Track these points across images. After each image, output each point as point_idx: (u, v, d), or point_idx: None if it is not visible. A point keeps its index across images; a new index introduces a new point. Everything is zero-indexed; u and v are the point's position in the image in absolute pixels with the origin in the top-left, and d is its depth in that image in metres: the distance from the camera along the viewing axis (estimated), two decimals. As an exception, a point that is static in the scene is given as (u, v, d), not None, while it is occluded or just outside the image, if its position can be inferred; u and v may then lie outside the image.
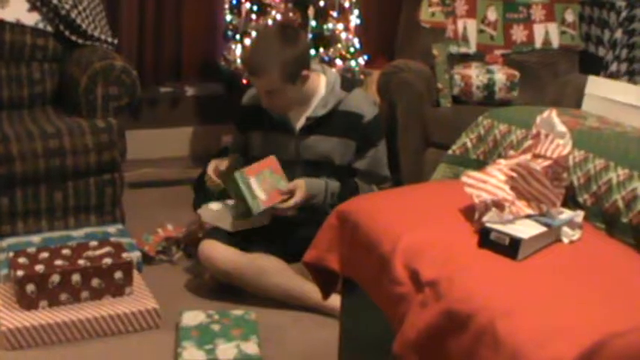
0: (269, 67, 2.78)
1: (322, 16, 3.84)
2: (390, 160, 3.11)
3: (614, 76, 4.01)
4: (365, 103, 2.99)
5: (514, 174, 1.93)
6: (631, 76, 4.07)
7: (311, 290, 2.75)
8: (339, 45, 3.84)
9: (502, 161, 2.02)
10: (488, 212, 1.85)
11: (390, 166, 3.11)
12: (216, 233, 2.99)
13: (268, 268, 2.92)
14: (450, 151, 2.48)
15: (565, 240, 1.89)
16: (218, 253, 2.93)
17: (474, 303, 1.62)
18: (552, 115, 2.09)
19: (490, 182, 1.91)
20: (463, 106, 3.85)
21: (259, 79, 2.83)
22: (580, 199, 2.07)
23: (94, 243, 2.87)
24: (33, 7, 3.52)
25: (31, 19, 3.52)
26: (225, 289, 2.98)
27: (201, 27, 4.33)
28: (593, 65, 4.07)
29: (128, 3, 4.11)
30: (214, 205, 3.04)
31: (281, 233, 2.99)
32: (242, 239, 2.95)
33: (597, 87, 2.64)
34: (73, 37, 3.56)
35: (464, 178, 1.94)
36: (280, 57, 2.78)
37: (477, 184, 1.91)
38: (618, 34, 3.99)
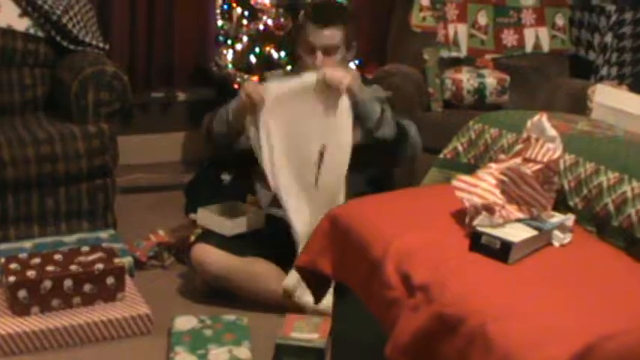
0: (340, 21, 3.02)
1: (313, 21, 3.84)
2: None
3: (604, 80, 4.02)
4: (383, 93, 3.15)
5: (505, 178, 1.94)
6: (621, 80, 4.09)
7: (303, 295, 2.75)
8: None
9: (493, 165, 2.03)
10: (478, 216, 1.86)
11: (382, 170, 3.12)
12: (208, 237, 2.99)
13: (261, 273, 2.92)
14: (441, 155, 2.48)
15: (556, 243, 1.90)
16: (210, 257, 2.93)
17: (465, 307, 1.63)
18: (543, 119, 2.10)
19: (481, 186, 1.92)
20: (454, 111, 3.85)
21: (327, 30, 2.99)
22: (571, 203, 2.08)
23: (85, 248, 2.87)
24: (24, 13, 3.51)
25: (22, 24, 3.52)
26: (217, 293, 2.97)
27: (192, 32, 4.33)
28: (583, 69, 4.09)
29: (119, 8, 4.10)
30: (210, 209, 3.05)
31: (275, 237, 2.99)
32: (236, 243, 2.95)
33: (606, 96, 2.64)
34: (64, 43, 3.55)
35: (455, 182, 1.95)
36: (347, 19, 3.08)
37: (468, 188, 1.92)
38: (608, 38, 4.01)
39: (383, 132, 2.95)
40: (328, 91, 2.85)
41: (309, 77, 2.89)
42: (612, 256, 1.90)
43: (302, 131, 2.89)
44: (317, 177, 2.85)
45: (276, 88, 2.94)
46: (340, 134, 2.85)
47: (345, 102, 2.83)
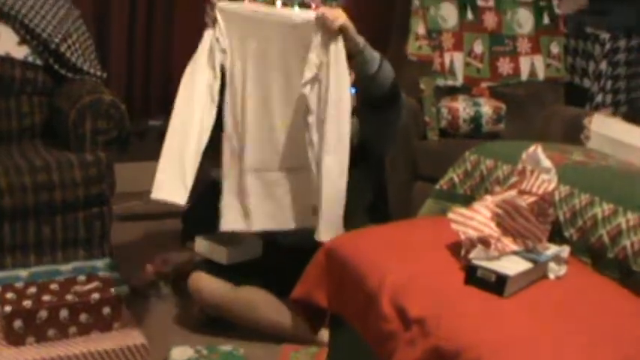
0: None
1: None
2: (378, 193, 3.12)
3: (599, 107, 4.05)
4: None
5: (500, 210, 1.95)
6: (616, 107, 4.12)
7: (300, 324, 2.75)
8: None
9: (488, 197, 2.03)
10: (474, 249, 1.86)
11: (379, 198, 3.12)
12: (206, 266, 2.99)
13: (258, 302, 2.92)
14: (437, 186, 2.49)
15: (551, 276, 1.90)
16: (207, 285, 2.93)
17: (461, 340, 1.63)
18: (538, 150, 2.11)
19: (476, 219, 1.93)
20: (450, 139, 3.87)
21: None
22: (566, 234, 2.09)
23: (82, 278, 2.86)
24: (23, 41, 3.53)
25: (21, 52, 3.53)
26: (215, 322, 2.97)
27: (189, 59, 4.34)
28: (578, 97, 4.11)
29: (117, 36, 4.13)
30: (207, 237, 3.05)
31: (274, 266, 2.99)
32: (234, 272, 2.95)
33: (603, 126, 2.64)
34: (63, 71, 3.57)
35: (450, 215, 1.96)
36: None
37: (464, 221, 1.93)
38: (603, 65, 4.04)
39: (385, 77, 2.75)
40: (320, 31, 2.60)
41: (302, 14, 2.68)
42: (607, 288, 1.91)
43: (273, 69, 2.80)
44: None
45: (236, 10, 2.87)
46: (340, 78, 2.61)
47: (340, 44, 2.59)
